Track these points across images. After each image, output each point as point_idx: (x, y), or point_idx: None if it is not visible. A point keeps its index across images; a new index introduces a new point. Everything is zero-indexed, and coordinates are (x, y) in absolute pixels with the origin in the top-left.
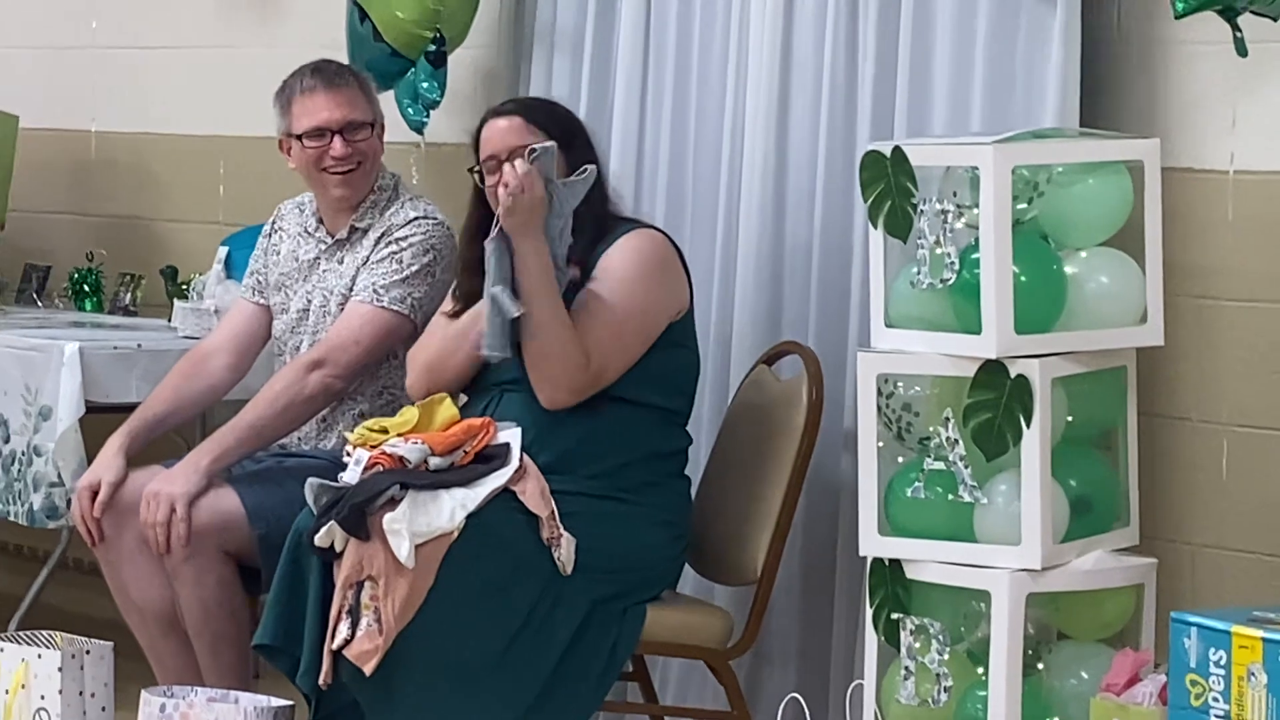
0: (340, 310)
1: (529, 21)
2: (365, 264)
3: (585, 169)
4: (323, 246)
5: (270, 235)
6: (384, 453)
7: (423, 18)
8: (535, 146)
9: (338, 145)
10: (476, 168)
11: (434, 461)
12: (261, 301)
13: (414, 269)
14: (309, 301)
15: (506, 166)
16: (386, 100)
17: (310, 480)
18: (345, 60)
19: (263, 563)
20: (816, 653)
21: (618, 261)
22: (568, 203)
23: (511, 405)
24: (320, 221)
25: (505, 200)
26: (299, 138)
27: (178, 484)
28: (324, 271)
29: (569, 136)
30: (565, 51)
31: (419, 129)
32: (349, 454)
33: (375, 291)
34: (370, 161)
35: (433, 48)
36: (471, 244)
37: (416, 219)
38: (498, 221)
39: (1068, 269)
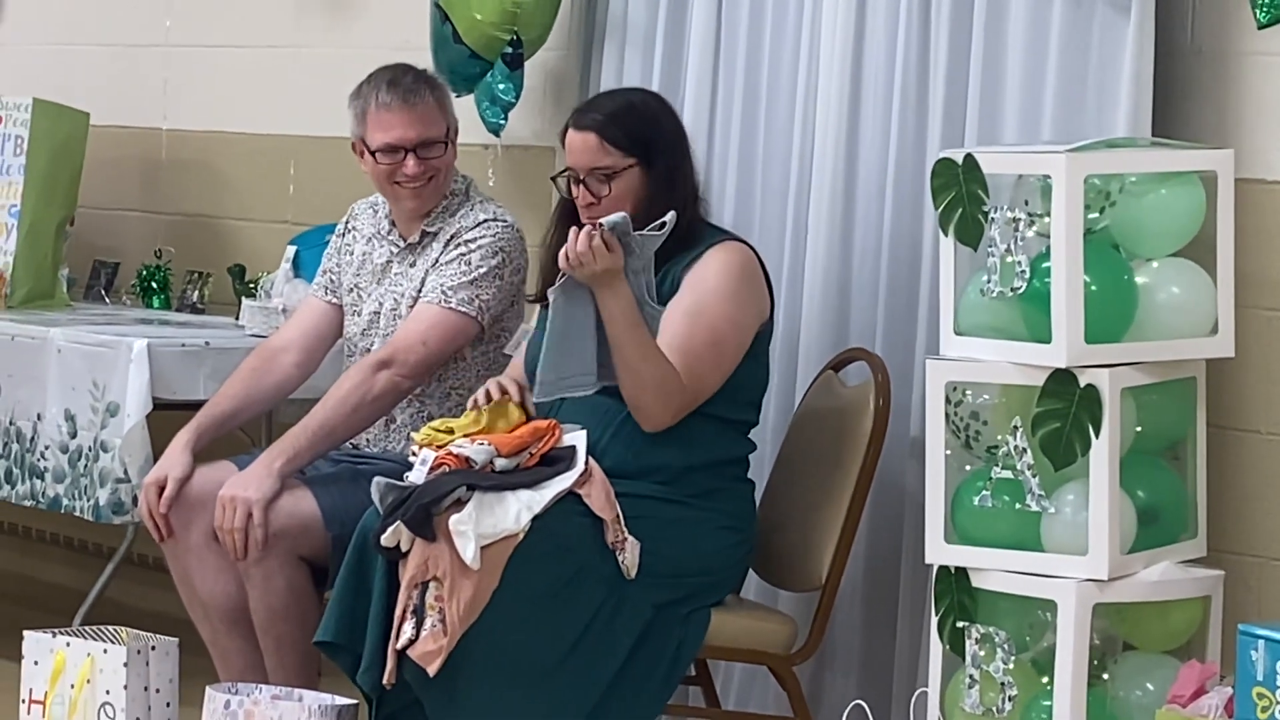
0: (410, 313)
1: (600, 22)
2: (435, 266)
3: (664, 222)
4: (395, 250)
5: (344, 235)
6: (450, 453)
7: (501, 19)
8: (603, 222)
9: (411, 164)
10: (557, 175)
11: (500, 463)
12: (333, 300)
13: (482, 271)
14: (380, 305)
15: (572, 233)
16: (465, 102)
17: (377, 480)
18: (424, 63)
19: (331, 563)
20: (880, 660)
21: (712, 277)
22: (647, 248)
23: (577, 409)
24: (393, 225)
25: (568, 264)
26: (373, 152)
27: (252, 488)
28: (395, 275)
29: (648, 153)
30: (636, 52)
31: (496, 131)
32: (414, 454)
33: (443, 293)
34: (443, 175)
35: (509, 49)
36: (560, 230)
37: (486, 221)
38: (563, 275)
39: (1139, 279)
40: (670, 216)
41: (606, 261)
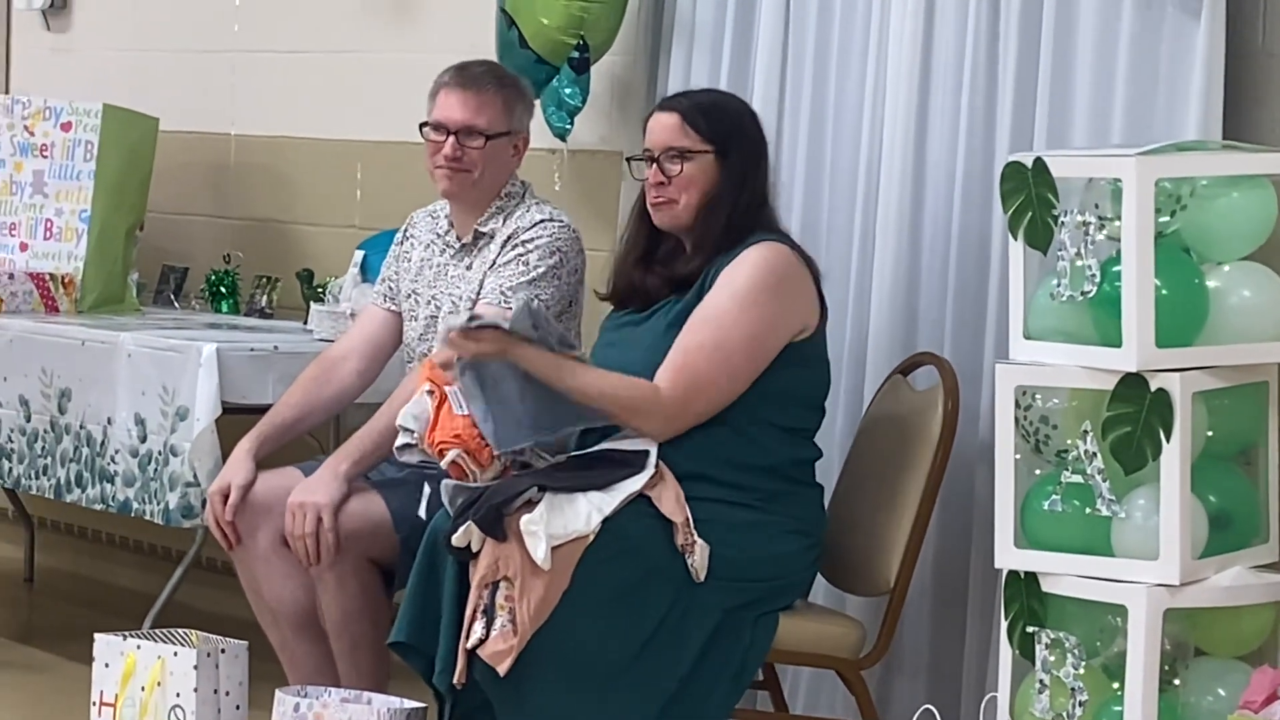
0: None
1: (666, 26)
2: (492, 267)
3: (529, 303)
4: (450, 251)
5: (402, 243)
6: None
7: (567, 24)
8: (476, 315)
9: (448, 146)
10: (633, 157)
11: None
12: (392, 308)
13: (540, 270)
14: (438, 308)
15: (445, 334)
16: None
17: (446, 481)
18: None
19: (400, 565)
20: (948, 664)
21: (739, 279)
22: (540, 324)
23: None
24: (451, 225)
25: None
26: (422, 125)
27: (321, 493)
28: (451, 278)
29: (724, 145)
30: (703, 56)
31: (562, 136)
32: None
33: (502, 293)
34: (479, 170)
35: (576, 54)
36: (638, 227)
37: (542, 221)
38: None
39: (1210, 283)
40: (530, 304)
41: (485, 348)
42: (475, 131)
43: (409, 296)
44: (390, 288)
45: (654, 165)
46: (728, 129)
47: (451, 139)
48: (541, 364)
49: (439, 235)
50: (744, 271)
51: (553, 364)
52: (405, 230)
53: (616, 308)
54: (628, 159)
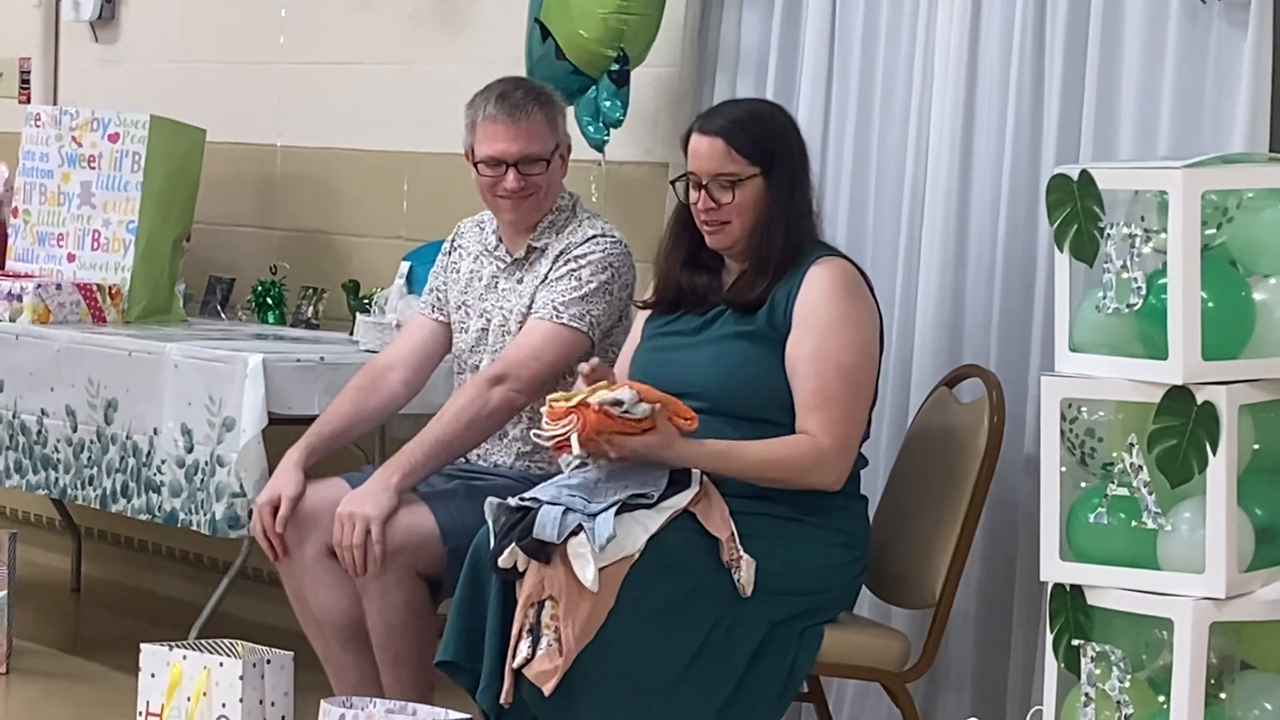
0: (519, 329)
1: (712, 42)
2: (544, 282)
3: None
4: (501, 265)
5: (450, 253)
6: (588, 405)
7: (606, 36)
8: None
9: (511, 179)
10: (677, 179)
11: (641, 409)
12: (440, 318)
13: (592, 286)
14: (488, 321)
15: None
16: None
17: (490, 500)
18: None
19: (448, 576)
20: (993, 677)
21: (823, 308)
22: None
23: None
24: (500, 240)
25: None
26: (476, 163)
27: (369, 505)
28: (503, 291)
29: (771, 164)
30: (749, 73)
31: (599, 147)
32: (564, 454)
33: (555, 309)
34: (545, 191)
35: (616, 66)
36: (680, 232)
37: (595, 237)
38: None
39: (1256, 295)
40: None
41: (638, 453)
42: (535, 158)
43: (459, 308)
44: (439, 297)
45: (702, 191)
46: (772, 145)
47: (513, 171)
48: (704, 461)
49: (488, 250)
50: (824, 297)
51: (715, 455)
52: (453, 240)
53: (665, 311)
54: (672, 181)
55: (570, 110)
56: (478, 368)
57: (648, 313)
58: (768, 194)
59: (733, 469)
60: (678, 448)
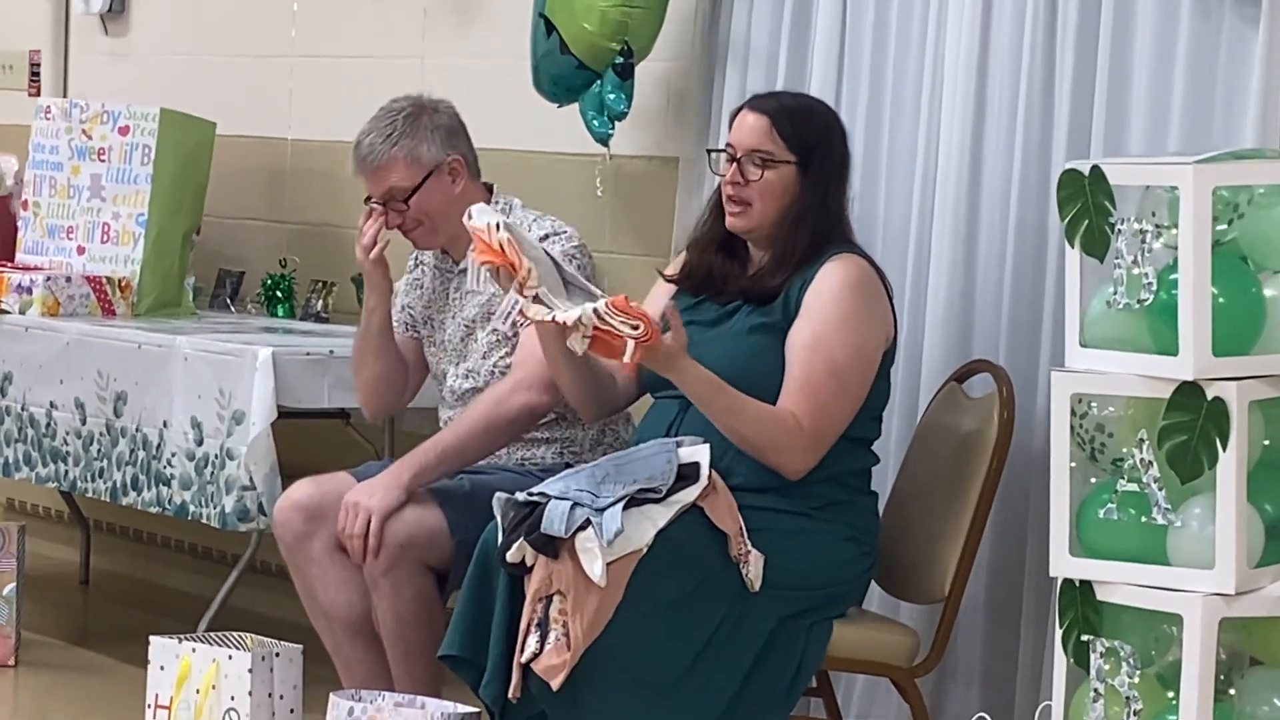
0: (483, 336)
1: (722, 36)
2: None
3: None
4: (449, 276)
5: (413, 270)
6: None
7: (610, 29)
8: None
9: (391, 216)
10: (714, 149)
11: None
12: (412, 334)
13: None
14: (447, 331)
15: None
16: (562, 115)
17: (498, 495)
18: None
19: (454, 569)
20: (1003, 672)
21: (829, 303)
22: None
23: (698, 422)
24: (444, 251)
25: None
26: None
27: (376, 498)
28: (453, 300)
29: (808, 157)
30: (759, 67)
31: (604, 141)
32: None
33: None
34: (433, 217)
35: (620, 59)
36: (716, 217)
37: (551, 236)
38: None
39: (1267, 291)
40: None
41: (657, 354)
42: (401, 193)
43: (426, 322)
44: (410, 315)
45: (734, 165)
46: (814, 140)
47: (390, 210)
48: (702, 378)
49: (438, 261)
50: (834, 294)
51: (709, 382)
52: (416, 257)
53: (689, 292)
54: (709, 150)
55: (575, 105)
56: (444, 376)
57: (671, 287)
58: (798, 186)
59: (716, 406)
60: (686, 361)
